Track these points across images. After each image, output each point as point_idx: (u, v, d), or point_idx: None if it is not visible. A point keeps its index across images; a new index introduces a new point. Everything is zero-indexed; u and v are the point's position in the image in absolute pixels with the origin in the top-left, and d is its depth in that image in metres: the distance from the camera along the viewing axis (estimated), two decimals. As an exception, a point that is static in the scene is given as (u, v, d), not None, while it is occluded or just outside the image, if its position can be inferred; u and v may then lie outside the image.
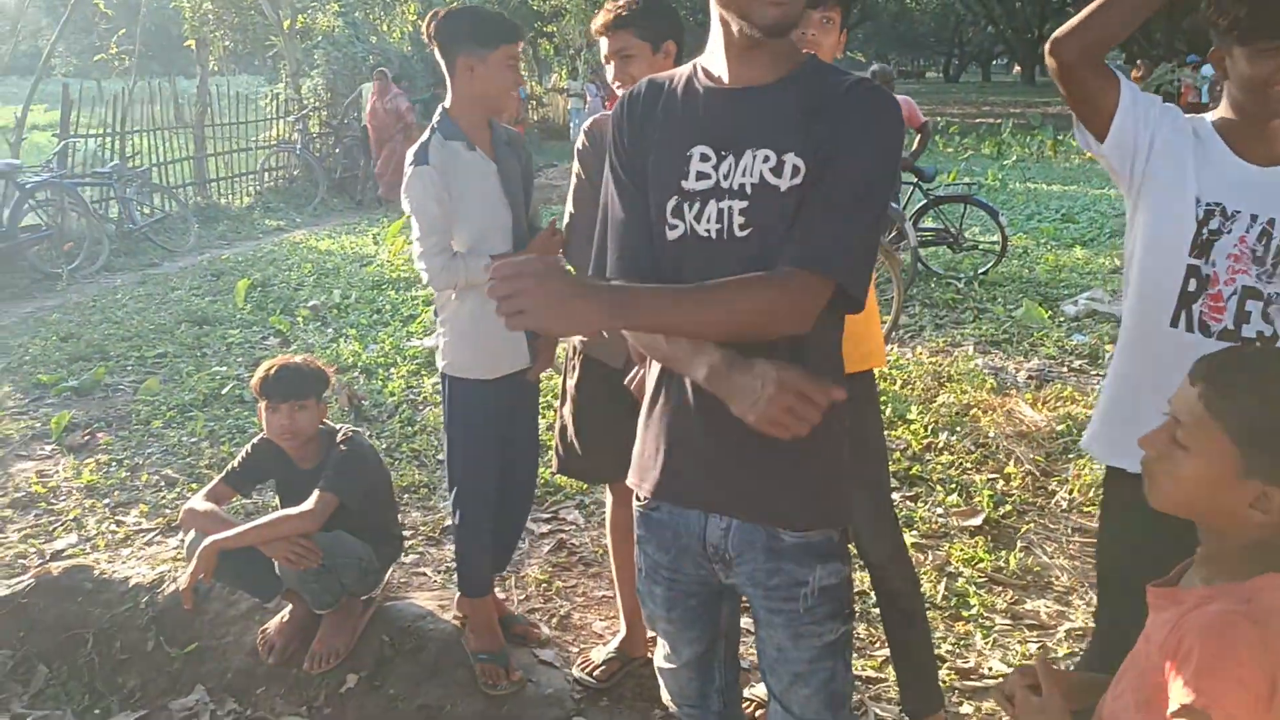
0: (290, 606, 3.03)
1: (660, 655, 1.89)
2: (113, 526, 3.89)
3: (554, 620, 3.14)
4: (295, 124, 13.58)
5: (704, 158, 1.57)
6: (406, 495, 4.06)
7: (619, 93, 2.39)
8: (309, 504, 2.78)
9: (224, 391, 5.34)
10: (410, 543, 3.66)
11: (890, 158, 1.56)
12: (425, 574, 3.45)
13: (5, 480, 4.37)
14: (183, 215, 10.59)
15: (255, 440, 3.06)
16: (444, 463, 4.26)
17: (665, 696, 1.94)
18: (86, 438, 4.83)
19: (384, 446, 4.51)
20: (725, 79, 1.59)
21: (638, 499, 1.77)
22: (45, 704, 3.04)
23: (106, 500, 4.13)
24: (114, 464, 4.49)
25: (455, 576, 3.02)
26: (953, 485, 4.08)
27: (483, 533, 2.85)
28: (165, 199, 10.84)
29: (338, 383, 5.40)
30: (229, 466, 3.07)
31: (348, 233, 10.28)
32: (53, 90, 10.90)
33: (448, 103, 2.67)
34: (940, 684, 2.64)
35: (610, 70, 2.47)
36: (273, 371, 2.89)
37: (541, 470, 4.13)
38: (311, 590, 2.83)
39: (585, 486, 4.06)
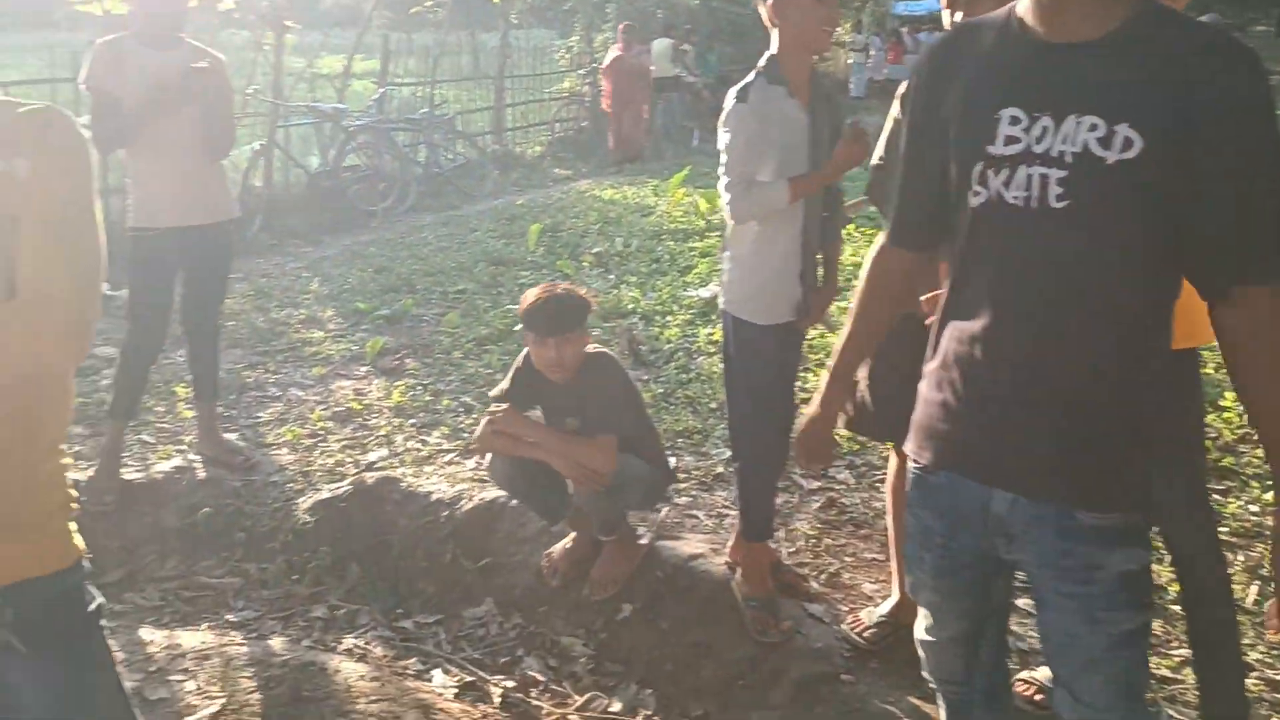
0: (574, 534, 3.20)
1: (921, 627, 1.82)
2: (418, 445, 4.25)
3: (822, 577, 3.14)
4: (585, 77, 14.08)
5: (1014, 120, 1.46)
6: (680, 440, 4.17)
7: None
8: (601, 447, 2.89)
9: (516, 328, 5.67)
10: (683, 485, 3.76)
11: (1275, 125, 1.38)
12: (697, 517, 3.53)
13: (328, 395, 4.87)
14: (481, 162, 11.28)
15: (520, 360, 3.10)
16: (717, 410, 4.39)
17: (924, 670, 1.88)
18: (396, 362, 5.29)
19: (660, 392, 4.64)
20: (1043, 31, 1.46)
21: (915, 460, 1.71)
22: (356, 599, 3.39)
23: (412, 420, 4.51)
24: (419, 388, 4.90)
25: (732, 521, 3.08)
26: (1269, 481, 3.69)
27: (768, 476, 2.89)
28: (467, 146, 11.57)
29: (618, 327, 5.61)
30: (501, 386, 3.13)
31: (629, 184, 10.57)
32: (370, 41, 11.84)
33: (774, 48, 2.69)
34: (1246, 693, 2.42)
35: (946, 16, 2.36)
36: (539, 304, 2.89)
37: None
38: (599, 510, 2.97)
39: (858, 446, 4.00)
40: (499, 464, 3.05)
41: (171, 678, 2.69)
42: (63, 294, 1.31)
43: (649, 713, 2.74)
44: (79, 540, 1.46)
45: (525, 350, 3.05)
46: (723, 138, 2.69)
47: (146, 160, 3.68)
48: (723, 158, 2.69)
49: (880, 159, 2.63)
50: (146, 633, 2.96)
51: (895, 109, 2.54)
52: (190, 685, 2.65)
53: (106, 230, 1.41)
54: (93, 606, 1.44)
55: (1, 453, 1.33)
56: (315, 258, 7.82)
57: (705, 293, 6.05)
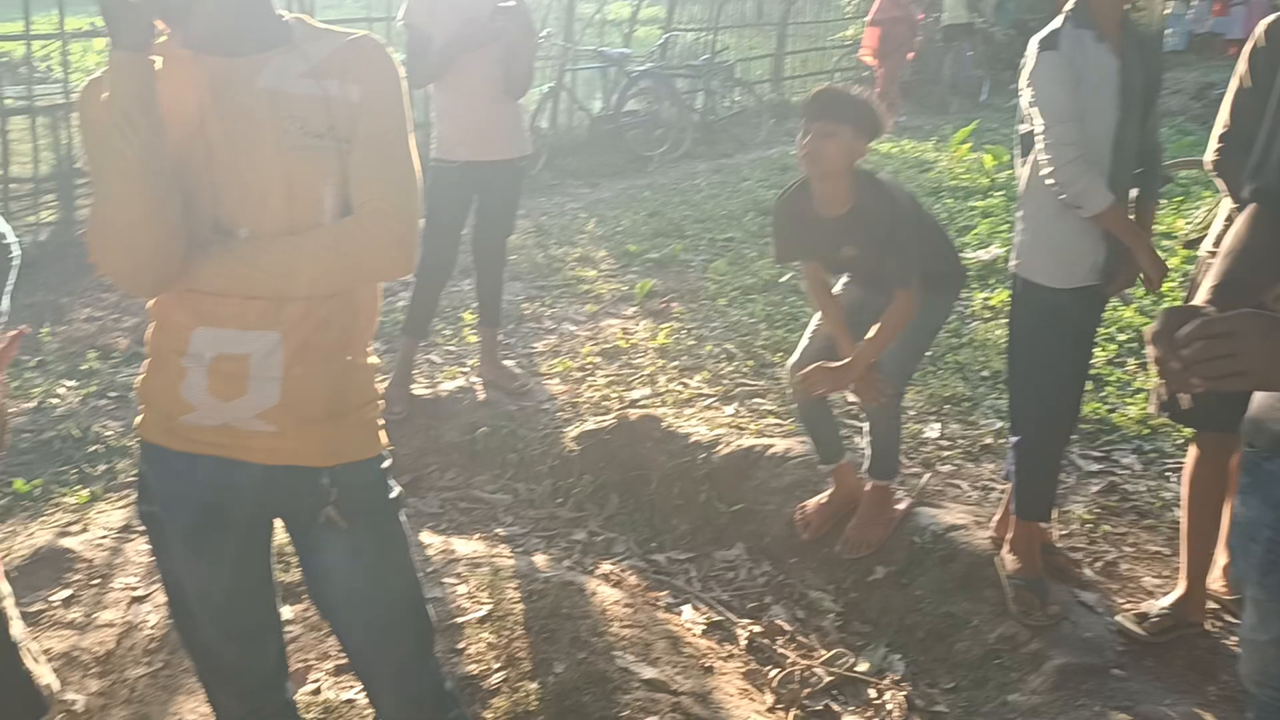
0: (832, 490, 3.16)
1: (1246, 624, 1.66)
2: (679, 386, 4.33)
3: (1098, 565, 2.94)
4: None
5: None
6: (947, 406, 4.01)
7: None
8: (900, 306, 2.72)
9: (782, 279, 5.63)
10: (947, 454, 3.62)
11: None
12: (960, 487, 3.40)
13: (597, 332, 5.05)
14: (758, 110, 11.21)
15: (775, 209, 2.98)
16: (989, 379, 4.19)
17: (1242, 671, 1.71)
18: (663, 305, 5.40)
19: (929, 355, 4.47)
20: None
21: (1249, 444, 1.54)
22: (613, 528, 3.52)
23: (675, 363, 4.60)
24: (684, 332, 4.98)
25: (999, 495, 2.94)
26: None
27: (1051, 451, 2.73)
28: (744, 93, 11.53)
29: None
30: (773, 252, 3.05)
31: (910, 137, 10.19)
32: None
33: None
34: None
35: None
36: (819, 89, 2.75)
37: (1094, 405, 3.85)
38: (882, 432, 2.96)
39: (1147, 430, 3.70)
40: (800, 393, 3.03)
41: (446, 580, 2.90)
42: (392, 210, 1.41)
43: (896, 677, 2.68)
44: (384, 435, 1.59)
45: (779, 197, 2.95)
46: (1034, 93, 2.52)
47: (450, 96, 3.91)
48: (1037, 117, 2.51)
49: (1226, 125, 2.38)
50: (426, 536, 3.21)
51: (1242, 66, 2.29)
52: (462, 589, 2.85)
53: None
54: (394, 494, 1.58)
55: (330, 350, 1.47)
56: (592, 199, 8.09)
57: (985, 254, 5.75)
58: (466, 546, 3.13)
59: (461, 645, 2.61)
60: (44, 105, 6.54)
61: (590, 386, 4.36)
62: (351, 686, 2.40)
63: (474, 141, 3.89)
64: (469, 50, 3.76)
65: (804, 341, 3.06)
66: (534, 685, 2.45)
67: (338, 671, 2.50)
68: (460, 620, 2.70)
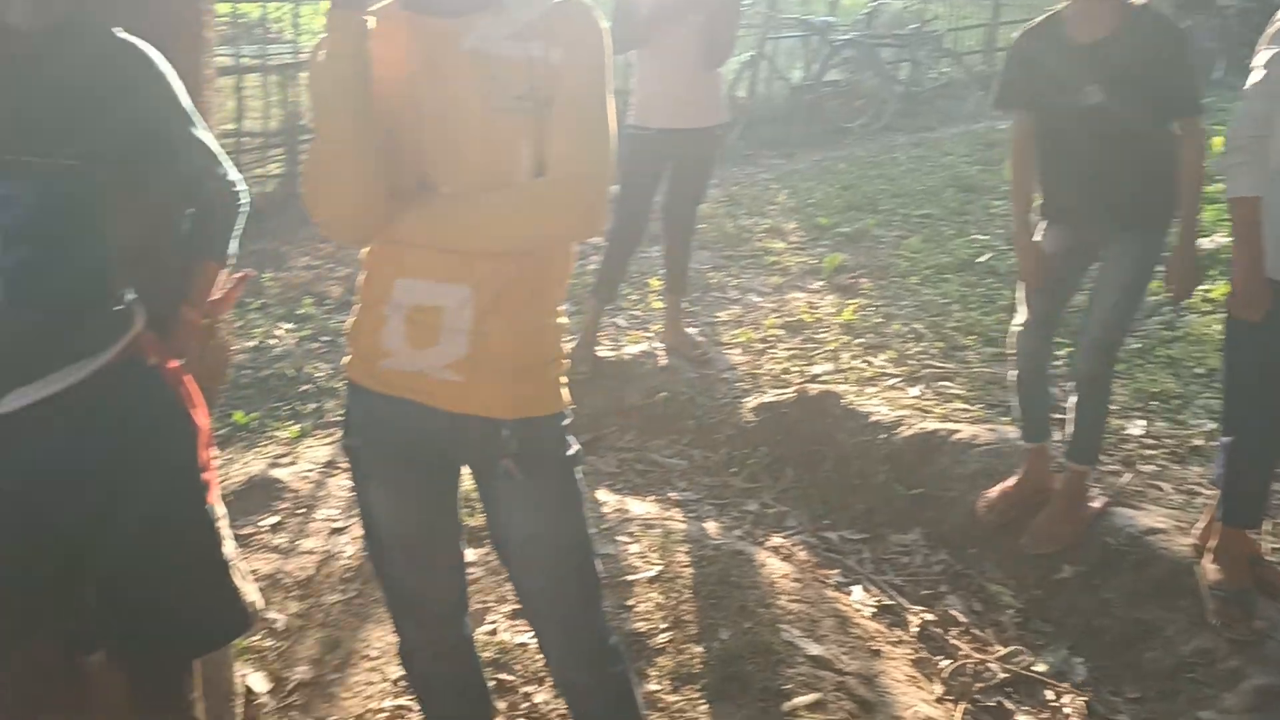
0: (1021, 475, 3.03)
1: None
2: (862, 364, 4.24)
3: (1313, 584, 2.70)
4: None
5: None
6: (1154, 403, 3.76)
7: None
8: (1193, 143, 2.60)
9: (979, 259, 5.41)
10: (1150, 453, 3.40)
11: None
12: (1162, 489, 3.19)
13: (782, 305, 5.00)
14: (965, 82, 10.75)
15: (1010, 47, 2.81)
16: (1204, 376, 3.89)
17: None
18: (851, 280, 5.29)
19: (1138, 347, 4.20)
20: None
21: None
22: (786, 501, 3.50)
23: (860, 340, 4.50)
24: (871, 309, 4.87)
25: (1205, 500, 2.74)
26: None
27: (1266, 455, 2.52)
28: (953, 64, 11.08)
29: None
30: (994, 96, 2.90)
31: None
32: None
33: None
34: None
35: None
36: None
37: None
38: (1087, 413, 2.83)
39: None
40: (1025, 340, 2.92)
41: (619, 538, 2.96)
42: (584, 173, 1.44)
43: (1077, 681, 2.56)
44: (566, 393, 1.63)
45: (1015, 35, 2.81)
46: (1267, 57, 2.31)
47: (651, 62, 3.93)
48: (1253, 77, 2.31)
49: None
50: (602, 494, 3.28)
51: None
52: (634, 548, 2.91)
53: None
54: (572, 451, 1.62)
55: (519, 307, 1.51)
56: (785, 170, 7.99)
57: (1208, 243, 5.33)
58: (640, 507, 3.19)
59: (631, 603, 2.67)
60: (275, 64, 7.01)
61: (771, 359, 4.34)
62: (526, 631, 2.49)
63: (671, 109, 3.91)
64: (675, 18, 3.77)
65: (1022, 306, 2.93)
66: (699, 649, 2.48)
67: (514, 616, 2.61)
68: (631, 579, 2.75)
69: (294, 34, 7.41)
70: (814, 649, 2.45)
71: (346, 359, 1.64)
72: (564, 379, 1.63)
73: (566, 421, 1.63)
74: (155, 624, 1.51)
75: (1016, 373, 3.00)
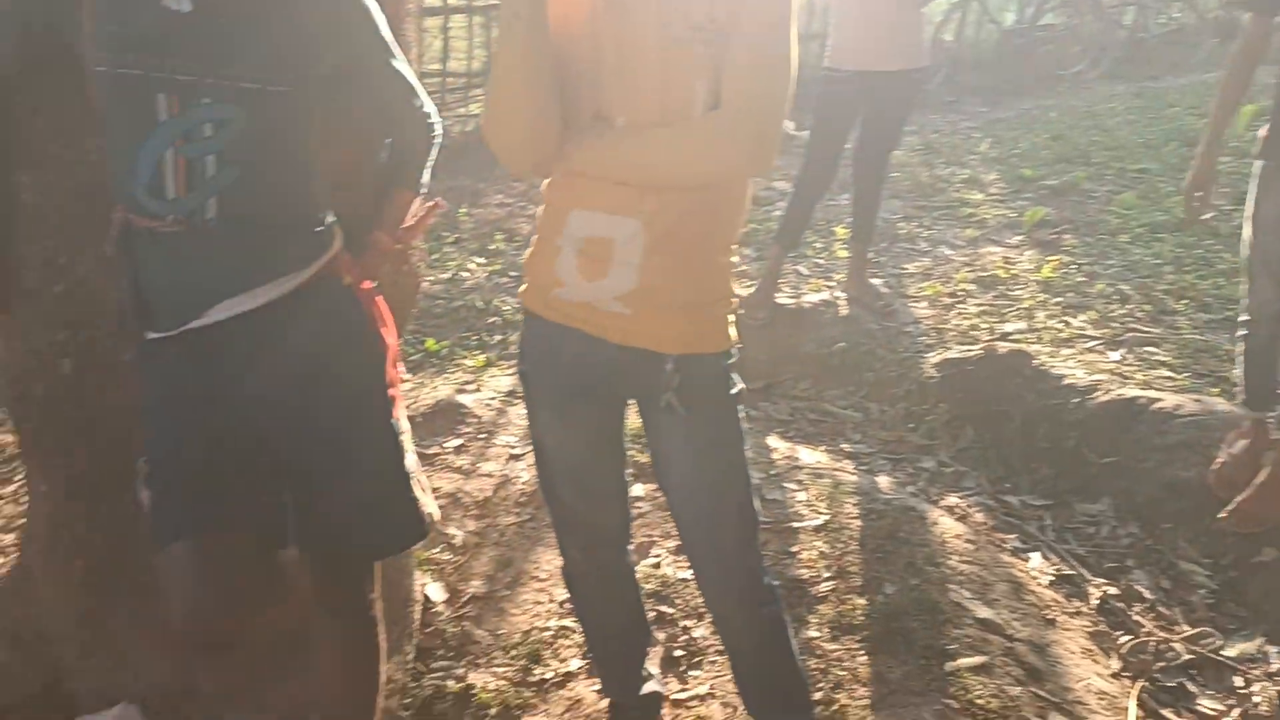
0: (1243, 442, 2.81)
1: None
2: (1059, 325, 4.03)
3: None
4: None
5: None
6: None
7: None
8: None
9: (1202, 217, 5.01)
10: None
11: None
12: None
13: (975, 259, 4.79)
14: (1198, 28, 9.88)
15: None
16: None
17: None
18: (1053, 236, 5.01)
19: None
20: None
21: None
22: (965, 461, 3.38)
23: (1058, 299, 4.27)
24: (1073, 266, 4.60)
25: None
26: None
27: None
28: (1184, 8, 10.20)
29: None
30: None
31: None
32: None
33: None
34: None
35: None
36: None
37: None
38: None
39: None
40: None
41: (786, 485, 2.95)
42: (758, 107, 1.42)
43: (1270, 669, 2.38)
44: (733, 332, 1.62)
45: None
46: None
47: (849, 3, 3.81)
48: None
49: None
50: (773, 441, 3.27)
51: None
52: (801, 496, 2.89)
53: (800, 75, 1.49)
54: (736, 390, 1.62)
55: (689, 242, 1.51)
56: (989, 118, 7.61)
57: None
58: (810, 456, 3.16)
59: (794, 549, 2.66)
60: (481, 5, 7.19)
61: (959, 314, 4.18)
62: (688, 567, 2.52)
63: (868, 50, 3.78)
64: None
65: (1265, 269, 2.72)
66: (861, 601, 2.45)
67: (677, 552, 2.65)
68: (795, 526, 2.74)
69: (499, -25, 7.58)
70: (983, 612, 2.38)
71: (523, 288, 1.69)
72: (732, 318, 1.63)
73: (732, 360, 1.63)
74: (340, 526, 1.62)
75: (1246, 334, 2.77)
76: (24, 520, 2.49)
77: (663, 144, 1.45)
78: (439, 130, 1.81)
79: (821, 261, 4.78)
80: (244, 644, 1.49)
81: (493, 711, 2.16)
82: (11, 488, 2.99)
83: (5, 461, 3.14)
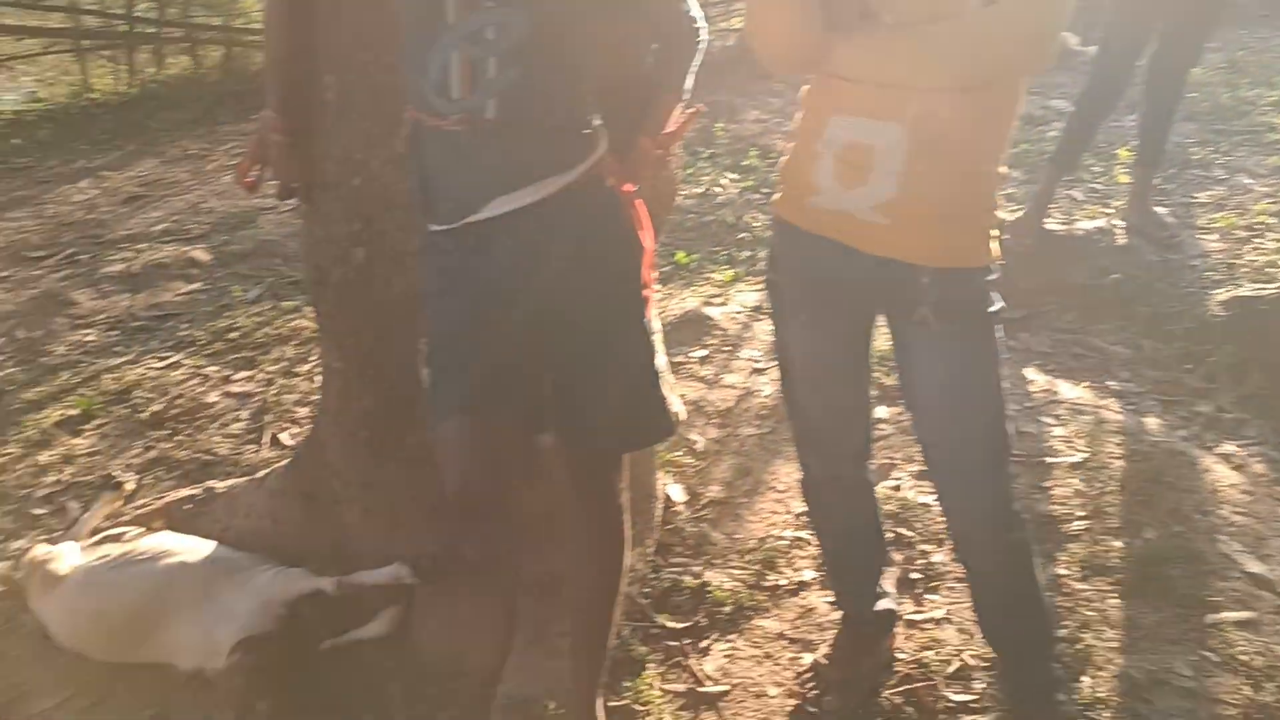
0: None
1: None
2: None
3: None
4: None
5: None
6: None
7: None
8: None
9: None
10: None
11: None
12: None
13: (1278, 190, 4.32)
14: None
15: None
16: None
17: None
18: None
19: None
20: None
21: None
22: (1248, 409, 3.07)
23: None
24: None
25: None
26: None
27: None
28: None
29: None
30: None
31: None
32: None
33: None
34: None
35: None
36: None
37: None
38: None
39: None
40: None
41: (1043, 419, 2.82)
42: (1039, 2, 1.33)
43: None
44: (995, 248, 1.55)
45: None
46: None
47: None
48: None
49: None
50: (1030, 373, 3.12)
51: None
52: (1058, 431, 2.75)
53: None
54: (995, 308, 1.55)
55: (953, 151, 1.45)
56: (1311, 33, 6.75)
57: None
58: (1072, 391, 2.99)
59: (1047, 485, 2.55)
60: (746, -82, 7.06)
61: (1255, 249, 3.79)
62: (930, 493, 2.48)
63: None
64: None
65: None
66: (1117, 544, 2.32)
67: (919, 476, 2.60)
68: (1050, 461, 2.62)
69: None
70: (1255, 566, 2.21)
71: (776, 195, 1.69)
72: (994, 232, 1.56)
73: (992, 277, 1.56)
74: (594, 416, 1.70)
75: None
76: (318, 396, 2.78)
77: (933, 41, 1.39)
78: (704, 36, 1.82)
79: (1099, 186, 4.44)
80: (504, 516, 1.61)
81: (727, 609, 2.23)
82: (307, 367, 3.33)
83: (303, 344, 3.50)
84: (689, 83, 1.85)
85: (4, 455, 2.91)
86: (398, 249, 1.91)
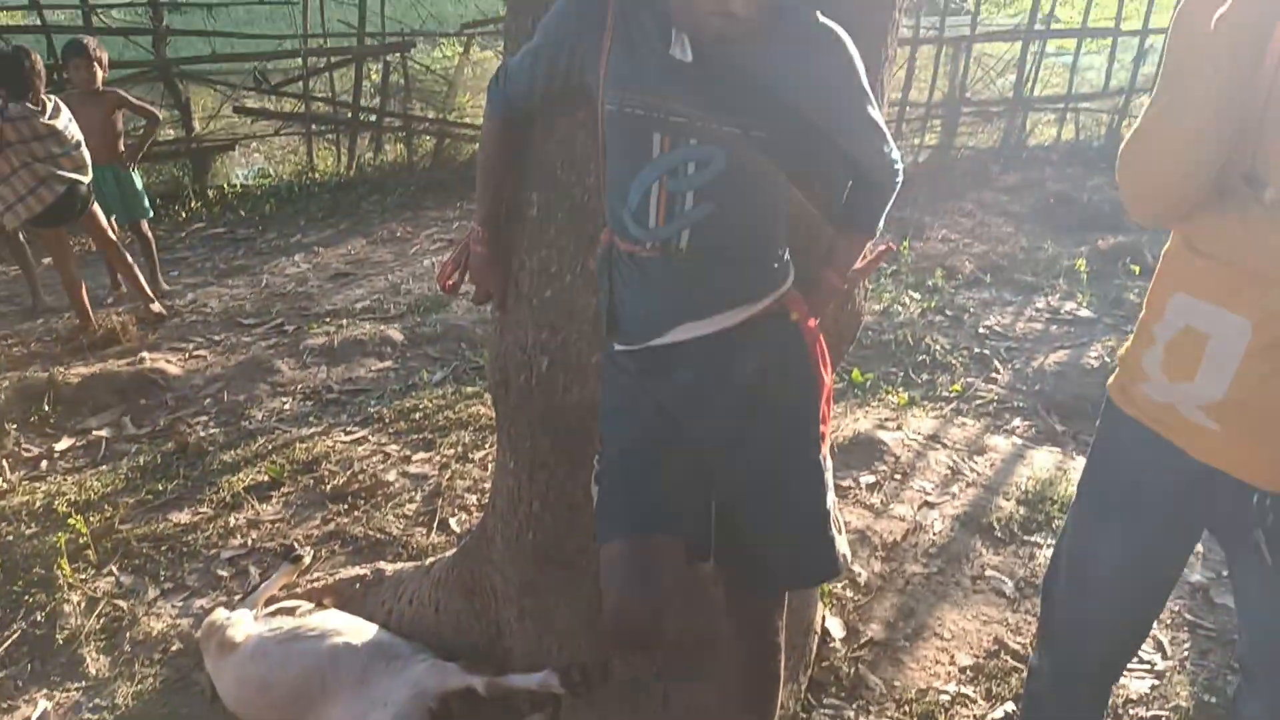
0: None
1: None
2: None
3: None
4: None
5: None
6: None
7: None
8: None
9: None
10: None
11: None
12: None
13: None
14: None
15: None
16: None
17: None
18: None
19: None
20: None
21: None
22: None
23: None
24: None
25: None
26: None
27: None
28: None
29: None
30: None
31: None
32: None
33: None
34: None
35: None
36: None
37: None
38: None
39: None
40: None
41: None
42: None
43: None
44: None
45: None
46: None
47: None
48: None
49: None
50: None
51: None
52: None
53: None
54: None
55: None
56: None
57: None
58: None
59: None
60: (951, 37, 7.07)
61: None
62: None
63: None
64: None
65: None
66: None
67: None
68: None
69: (974, 6, 7.39)
70: None
71: (1113, 377, 1.56)
72: None
73: None
74: (756, 551, 1.67)
75: None
76: (488, 485, 2.85)
77: None
78: (900, 177, 1.81)
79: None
80: (659, 641, 1.59)
81: (878, 762, 2.13)
82: (481, 453, 3.44)
83: (479, 430, 3.62)
84: (880, 224, 1.84)
85: (199, 514, 3.12)
86: (579, 360, 1.96)
